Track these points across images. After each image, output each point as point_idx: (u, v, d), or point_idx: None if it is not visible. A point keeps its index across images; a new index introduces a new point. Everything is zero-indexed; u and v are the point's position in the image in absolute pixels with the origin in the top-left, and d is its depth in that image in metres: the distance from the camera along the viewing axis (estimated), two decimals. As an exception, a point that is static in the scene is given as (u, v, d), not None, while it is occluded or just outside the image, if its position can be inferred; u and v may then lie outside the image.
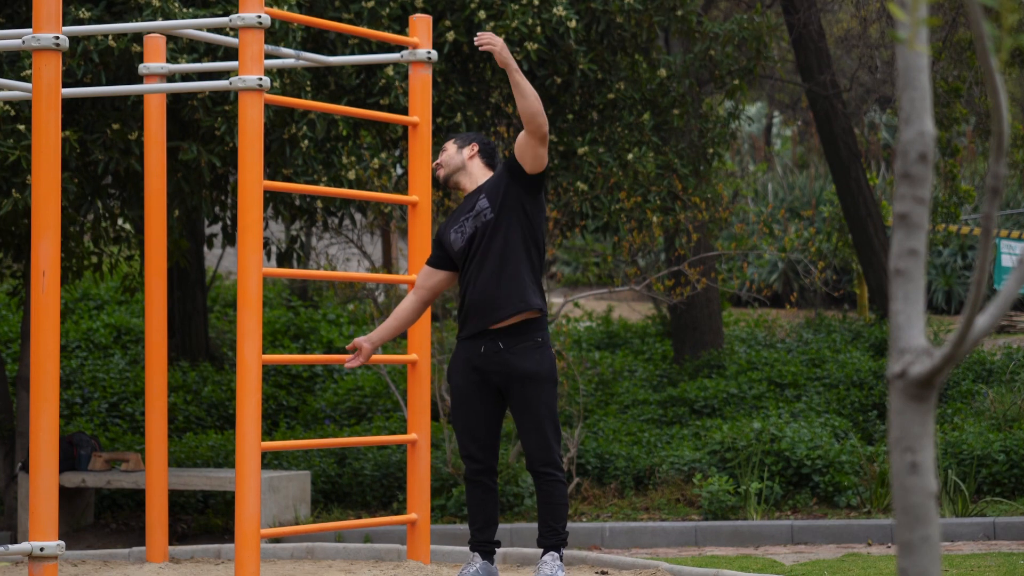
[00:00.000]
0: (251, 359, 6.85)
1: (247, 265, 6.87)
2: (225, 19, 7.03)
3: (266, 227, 10.74)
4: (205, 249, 14.76)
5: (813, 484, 11.53)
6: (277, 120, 10.02)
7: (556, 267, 23.28)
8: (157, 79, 7.88)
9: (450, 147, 6.82)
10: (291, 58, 7.91)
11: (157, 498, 7.84)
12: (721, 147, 12.32)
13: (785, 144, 31.98)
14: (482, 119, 11.39)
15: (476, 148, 6.77)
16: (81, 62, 9.25)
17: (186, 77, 8.77)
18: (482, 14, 10.70)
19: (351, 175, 10.60)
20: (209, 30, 8.15)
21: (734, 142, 15.26)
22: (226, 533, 11.26)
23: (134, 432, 12.99)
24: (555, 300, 17.25)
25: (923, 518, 2.27)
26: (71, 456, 10.99)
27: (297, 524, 10.68)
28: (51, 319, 6.24)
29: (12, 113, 9.23)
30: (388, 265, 16.55)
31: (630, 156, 11.33)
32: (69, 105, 9.58)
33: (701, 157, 12.20)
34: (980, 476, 11.42)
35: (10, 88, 8.05)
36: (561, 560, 6.67)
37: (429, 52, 7.65)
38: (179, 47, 9.31)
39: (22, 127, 9.19)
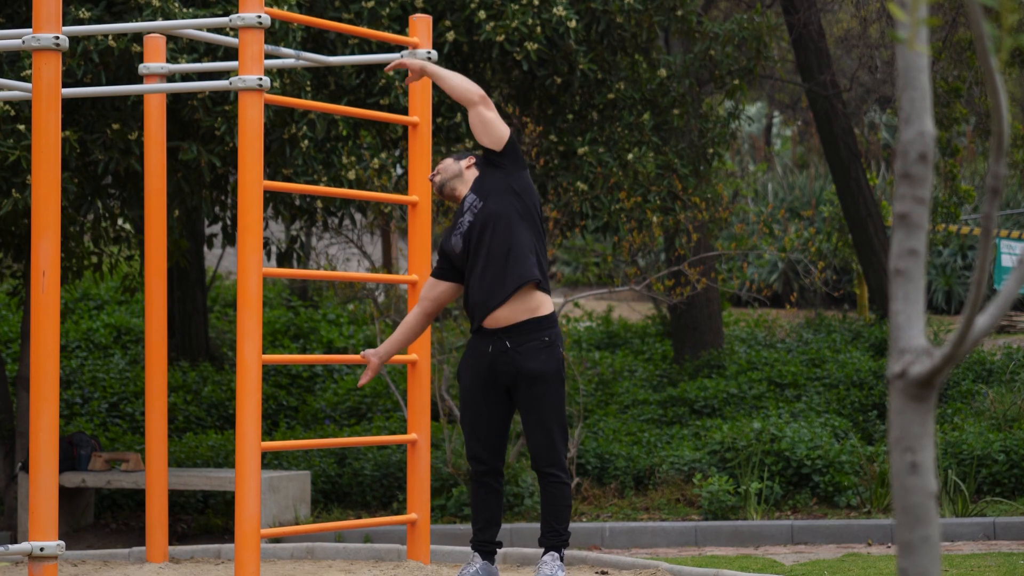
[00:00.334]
0: (251, 359, 6.85)
1: (247, 265, 6.87)
2: (225, 19, 7.03)
3: (266, 227, 10.74)
4: (205, 249, 14.76)
5: (813, 484, 11.53)
6: (277, 120, 10.02)
7: (556, 267, 23.28)
8: (157, 79, 7.88)
9: (448, 160, 6.93)
10: (291, 58, 7.91)
11: (157, 498, 7.84)
12: (721, 147, 12.32)
13: (785, 144, 31.98)
14: (482, 119, 11.38)
15: (472, 161, 6.85)
16: (81, 62, 9.25)
17: (186, 77, 8.77)
18: (482, 14, 10.70)
19: (351, 175, 10.61)
20: (209, 30, 8.15)
21: (734, 142, 15.26)
22: (226, 533, 11.26)
23: (134, 432, 12.99)
24: (555, 300, 17.25)
25: (923, 518, 2.27)
26: (71, 456, 10.99)
27: (297, 524, 10.68)
28: (51, 319, 6.24)
29: (12, 113, 9.23)
30: (388, 265, 16.55)
31: (630, 156, 11.33)
32: (69, 105, 9.58)
33: (701, 157, 12.20)
34: (980, 476, 11.42)
35: (10, 88, 8.05)
36: (562, 560, 6.67)
37: (429, 52, 7.65)
38: (179, 47, 9.31)
39: (22, 127, 9.19)
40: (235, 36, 7.98)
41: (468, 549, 7.05)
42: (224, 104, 9.54)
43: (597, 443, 11.96)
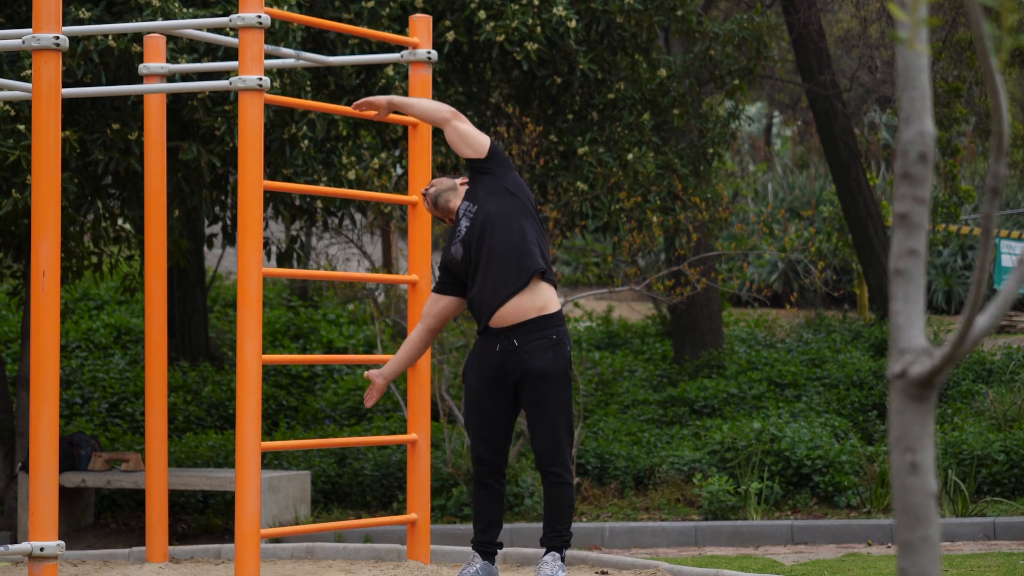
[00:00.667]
0: (251, 359, 6.85)
1: (247, 265, 6.87)
2: (225, 19, 7.03)
3: (266, 227, 10.74)
4: (205, 249, 14.76)
5: (813, 484, 11.53)
6: (277, 120, 10.02)
7: (556, 267, 23.28)
8: (157, 79, 7.88)
9: (441, 178, 6.99)
10: (291, 58, 7.91)
11: (157, 498, 7.84)
12: (721, 147, 12.32)
13: (785, 144, 31.98)
14: (482, 119, 11.39)
15: (465, 180, 6.89)
16: (81, 62, 9.25)
17: (186, 77, 8.77)
18: (482, 14, 10.70)
19: (351, 175, 10.60)
20: (209, 30, 8.15)
21: (734, 142, 15.26)
22: (226, 533, 11.26)
23: (134, 432, 12.99)
24: (555, 300, 17.22)
25: (923, 518, 2.27)
26: (71, 456, 10.99)
27: (297, 524, 10.68)
28: (51, 319, 6.24)
29: (12, 113, 9.23)
30: (388, 265, 16.55)
31: (630, 156, 11.33)
32: (69, 105, 9.58)
33: (701, 157, 12.20)
34: (980, 476, 11.42)
35: (10, 88, 8.05)
36: (563, 561, 6.67)
37: (429, 52, 7.65)
38: (179, 47, 9.31)
39: (22, 127, 9.19)
40: (235, 36, 7.98)
41: (468, 549, 7.05)
42: (224, 104, 9.54)
43: (597, 443, 11.96)
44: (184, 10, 9.20)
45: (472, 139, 6.70)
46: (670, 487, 11.58)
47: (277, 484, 10.83)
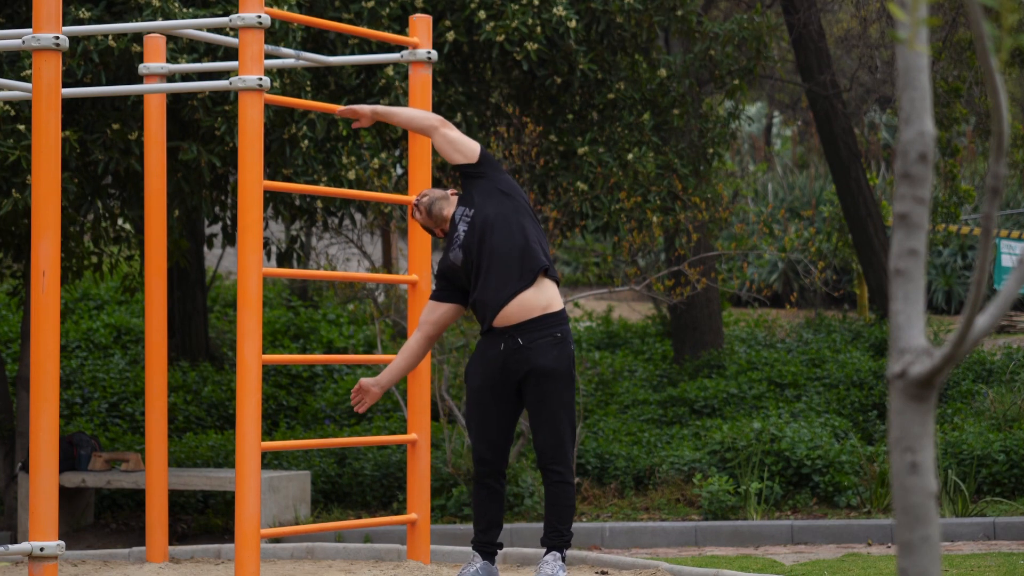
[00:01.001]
0: (251, 359, 6.85)
1: (247, 265, 6.87)
2: (225, 19, 7.03)
3: (266, 227, 10.74)
4: (205, 249, 14.76)
5: (813, 484, 11.53)
6: (277, 120, 10.02)
7: (556, 267, 23.26)
8: (157, 79, 7.88)
9: (431, 189, 6.96)
10: (291, 58, 7.91)
11: (157, 498, 7.84)
12: (721, 147, 12.32)
13: (785, 144, 31.98)
14: (482, 119, 11.39)
15: (455, 191, 6.89)
16: (81, 62, 9.25)
17: (186, 77, 8.77)
18: (482, 14, 10.70)
19: (351, 175, 10.60)
20: (209, 30, 8.15)
21: (734, 142, 15.26)
22: (226, 533, 11.26)
23: (134, 432, 12.99)
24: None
25: (923, 518, 2.27)
26: (71, 456, 10.99)
27: (297, 524, 10.68)
28: (51, 319, 6.24)
29: (12, 113, 9.23)
30: (388, 265, 16.55)
31: (630, 156, 11.33)
32: (69, 105, 9.58)
33: (701, 157, 12.20)
34: (980, 476, 11.42)
35: (10, 88, 8.05)
36: (563, 561, 6.67)
37: (429, 52, 7.65)
38: (179, 47, 9.31)
39: (22, 127, 9.19)
40: (235, 36, 7.98)
41: (468, 549, 7.05)
42: (224, 104, 9.54)
43: (597, 443, 11.96)
44: (184, 10, 9.20)
45: (462, 145, 6.70)
46: (670, 487, 11.58)
47: (277, 484, 10.83)
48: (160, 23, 7.56)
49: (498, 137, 11.32)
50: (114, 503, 11.90)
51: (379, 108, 6.94)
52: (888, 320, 2.62)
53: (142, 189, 9.26)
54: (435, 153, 8.95)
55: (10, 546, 6.27)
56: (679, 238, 12.42)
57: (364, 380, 6.87)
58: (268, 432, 13.14)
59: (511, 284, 6.55)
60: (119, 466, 10.91)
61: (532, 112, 11.57)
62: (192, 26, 7.51)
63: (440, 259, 6.88)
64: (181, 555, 8.28)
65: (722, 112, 12.74)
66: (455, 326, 12.37)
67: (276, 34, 9.50)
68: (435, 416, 12.17)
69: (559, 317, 6.60)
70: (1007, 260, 15.13)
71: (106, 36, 9.19)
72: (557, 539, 6.67)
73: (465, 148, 6.70)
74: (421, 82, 7.68)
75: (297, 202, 11.11)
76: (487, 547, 6.79)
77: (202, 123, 9.56)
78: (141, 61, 8.77)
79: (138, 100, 9.44)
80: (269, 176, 10.04)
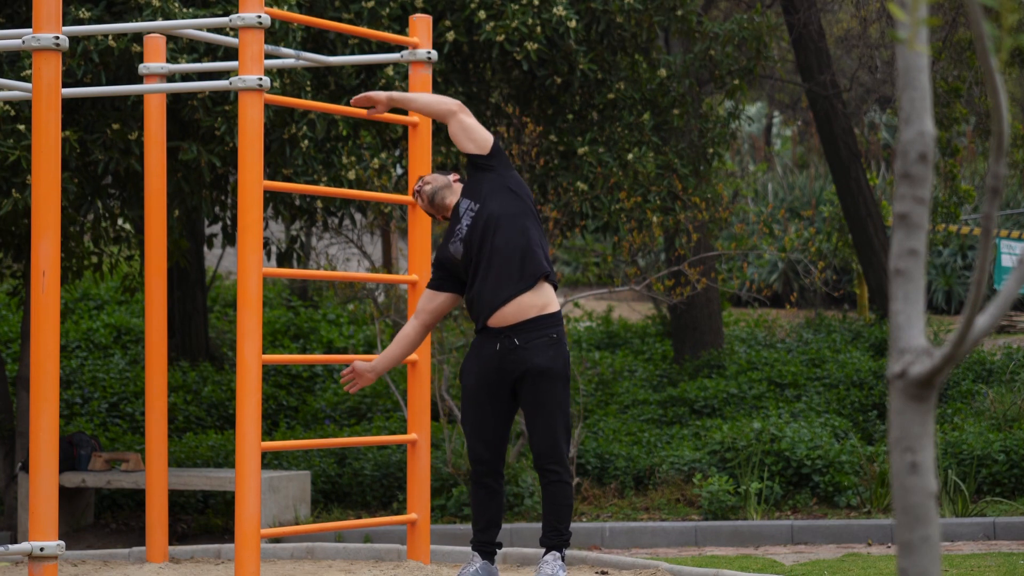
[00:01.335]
0: (251, 359, 6.85)
1: (247, 265, 6.87)
2: (225, 19, 7.03)
3: (266, 227, 10.74)
4: (205, 249, 14.76)
5: (813, 484, 11.53)
6: (277, 120, 10.02)
7: (556, 267, 23.28)
8: (157, 79, 7.88)
9: (433, 174, 6.94)
10: (291, 58, 7.91)
11: (157, 498, 7.84)
12: (721, 147, 12.32)
13: (785, 144, 31.98)
14: (482, 119, 11.39)
15: (457, 176, 6.86)
16: (81, 62, 9.25)
17: (186, 77, 8.77)
18: (482, 14, 10.70)
19: (351, 175, 10.60)
20: (209, 30, 8.15)
21: (734, 142, 15.26)
22: (226, 533, 11.26)
23: (134, 432, 12.99)
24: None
25: (923, 518, 2.27)
26: (71, 456, 10.99)
27: (297, 524, 10.68)
28: (51, 319, 6.24)
29: (12, 113, 9.22)
30: (388, 265, 16.55)
31: (630, 156, 11.33)
32: (69, 105, 9.58)
33: (701, 157, 12.20)
34: (980, 476, 11.42)
35: (10, 88, 8.05)
36: (563, 560, 6.67)
37: (429, 52, 7.65)
38: (179, 47, 9.31)
39: (22, 127, 9.19)
40: (235, 36, 7.98)
41: (468, 549, 7.05)
42: (224, 104, 9.54)
43: (597, 443, 11.96)
44: (184, 10, 9.20)
45: (476, 134, 6.67)
46: (670, 487, 11.58)
47: (277, 484, 10.83)
48: (160, 23, 7.56)
49: (498, 137, 11.32)
50: (114, 503, 11.90)
51: (395, 94, 6.90)
52: (888, 320, 2.62)
53: (142, 189, 9.25)
54: (435, 153, 8.95)
55: (10, 546, 6.27)
56: (679, 238, 12.42)
57: (358, 364, 6.81)
58: (268, 432, 13.14)
59: (510, 285, 6.54)
60: (119, 466, 10.91)
61: (532, 112, 11.57)
62: (192, 26, 7.51)
63: (439, 248, 6.86)
64: (181, 555, 8.28)
65: (722, 112, 12.74)
66: (455, 326, 12.38)
67: (276, 34, 9.50)
68: (435, 416, 12.17)
69: (555, 318, 6.61)
70: (1007, 260, 15.13)
71: (106, 36, 9.18)
72: (556, 539, 6.66)
73: (479, 137, 6.67)
74: (421, 82, 7.68)
75: (297, 202, 11.11)
76: (486, 547, 6.79)
77: (202, 123, 9.56)
78: (141, 61, 8.77)
79: (138, 100, 9.44)
80: (269, 176, 10.04)
